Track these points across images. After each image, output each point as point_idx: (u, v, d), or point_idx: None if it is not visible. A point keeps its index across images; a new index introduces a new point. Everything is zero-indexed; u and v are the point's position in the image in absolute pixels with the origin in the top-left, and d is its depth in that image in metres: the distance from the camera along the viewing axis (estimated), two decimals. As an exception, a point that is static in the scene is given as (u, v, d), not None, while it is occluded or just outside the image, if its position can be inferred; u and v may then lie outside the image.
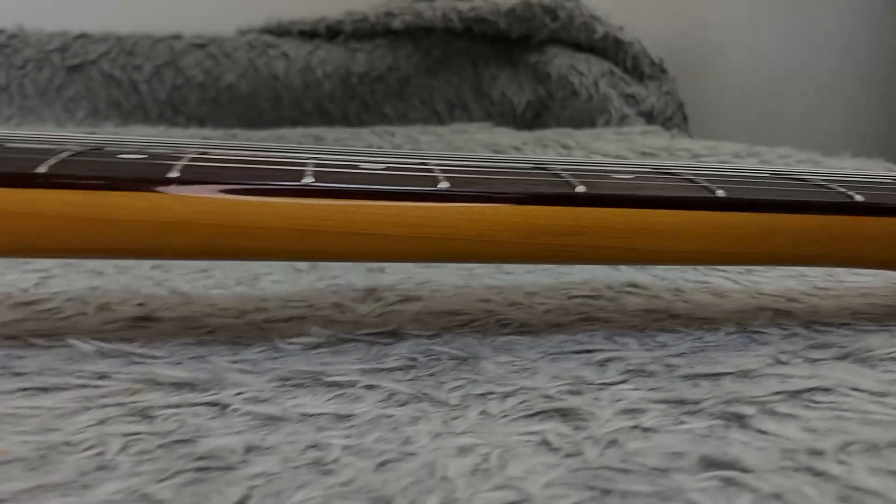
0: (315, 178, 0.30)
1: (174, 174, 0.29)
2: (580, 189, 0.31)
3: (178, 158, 0.31)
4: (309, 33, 1.24)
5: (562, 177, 0.33)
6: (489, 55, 1.26)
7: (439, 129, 0.94)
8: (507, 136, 0.90)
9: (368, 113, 1.25)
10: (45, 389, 0.28)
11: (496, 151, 0.85)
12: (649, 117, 1.23)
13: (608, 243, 0.32)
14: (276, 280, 0.44)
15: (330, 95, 1.23)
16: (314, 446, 0.24)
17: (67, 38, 1.20)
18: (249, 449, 0.24)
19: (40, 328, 0.35)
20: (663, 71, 1.26)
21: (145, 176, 0.29)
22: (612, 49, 1.24)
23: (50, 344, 0.32)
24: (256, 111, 1.22)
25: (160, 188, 0.29)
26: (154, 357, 0.31)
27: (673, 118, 1.27)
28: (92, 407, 0.26)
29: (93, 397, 0.27)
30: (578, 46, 1.24)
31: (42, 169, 0.28)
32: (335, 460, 0.23)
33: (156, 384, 0.28)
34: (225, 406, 0.27)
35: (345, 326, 0.35)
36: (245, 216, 0.30)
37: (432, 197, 0.30)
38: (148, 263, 0.47)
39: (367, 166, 0.33)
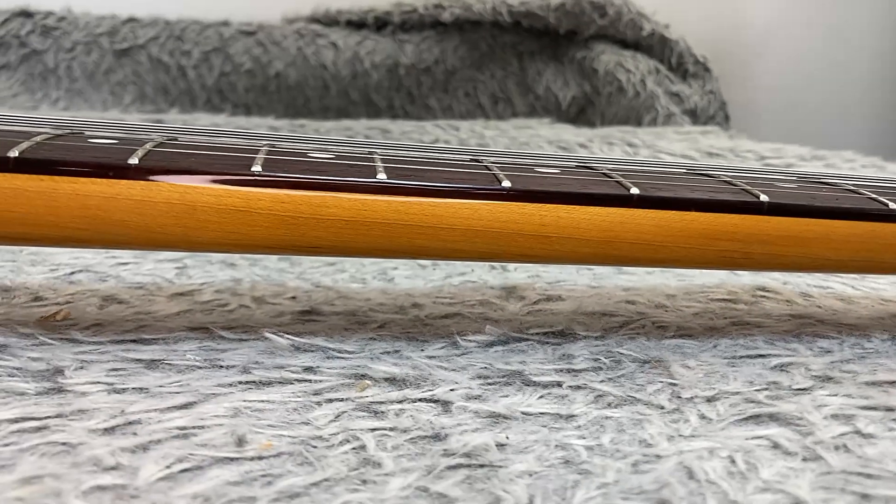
0: (511, 182, 0.31)
1: (381, 176, 0.30)
2: (764, 199, 0.32)
3: (372, 160, 0.32)
4: (357, 23, 1.24)
5: (736, 185, 0.34)
6: (535, 50, 1.26)
7: (501, 124, 0.95)
8: (569, 133, 0.90)
9: (413, 105, 1.26)
10: (262, 384, 0.29)
11: (563, 149, 0.85)
12: (693, 116, 1.24)
13: (787, 251, 0.33)
14: (406, 276, 0.45)
15: (377, 86, 1.23)
16: (559, 446, 0.25)
17: (116, 21, 1.20)
18: (500, 447, 0.24)
19: (217, 321, 0.35)
20: (707, 70, 1.27)
21: (352, 177, 0.30)
22: (657, 47, 1.25)
23: (239, 337, 0.33)
24: (303, 100, 1.22)
25: (366, 195, 0.30)
26: (348, 352, 0.32)
27: (715, 117, 1.28)
28: (321, 402, 0.27)
29: (318, 392, 0.28)
30: (624, 43, 1.24)
31: (256, 167, 0.29)
32: (585, 460, 0.24)
33: (369, 380, 0.29)
34: (446, 403, 0.28)
35: (508, 325, 0.36)
36: (444, 218, 0.30)
37: (625, 202, 0.31)
38: (273, 255, 0.48)
39: (543, 170, 0.34)
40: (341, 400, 0.27)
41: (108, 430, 0.25)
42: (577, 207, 0.31)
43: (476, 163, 0.34)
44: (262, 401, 0.27)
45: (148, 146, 0.30)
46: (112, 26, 1.20)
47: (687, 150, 0.85)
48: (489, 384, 0.29)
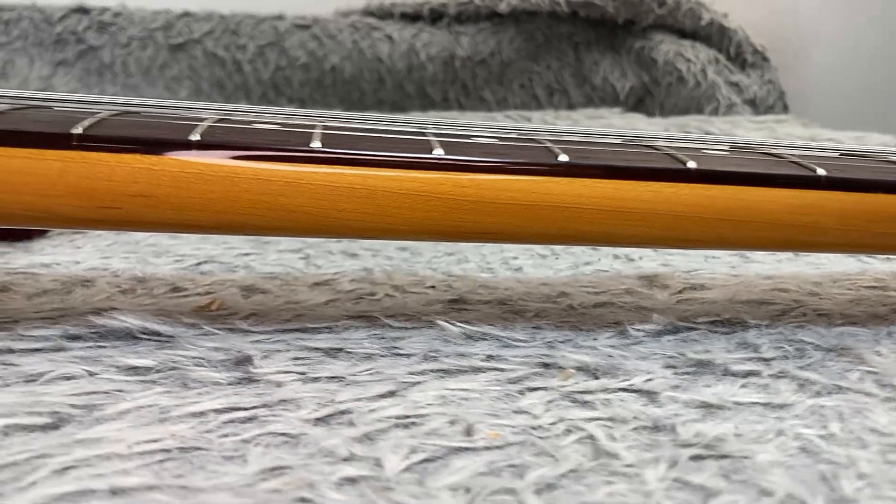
0: (697, 163, 0.30)
1: (563, 158, 0.29)
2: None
3: (540, 142, 0.31)
4: (411, 16, 1.23)
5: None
6: (591, 40, 1.25)
7: (572, 114, 0.93)
8: (642, 122, 0.89)
9: (468, 97, 1.25)
10: (453, 372, 0.28)
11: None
12: (752, 106, 1.22)
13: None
14: (532, 265, 0.44)
15: (432, 79, 1.22)
16: (790, 435, 0.24)
17: (171, 16, 1.20)
18: (737, 436, 0.23)
19: (372, 309, 0.34)
20: (765, 59, 1.25)
21: (531, 160, 0.29)
22: (716, 36, 1.23)
23: (403, 325, 0.32)
24: (358, 94, 1.22)
25: (548, 178, 0.29)
26: (521, 340, 0.31)
27: (774, 107, 1.26)
28: (523, 391, 0.26)
29: (513, 380, 0.27)
30: (682, 33, 1.23)
31: (438, 151, 0.28)
32: (826, 450, 0.23)
33: (558, 368, 0.28)
34: (650, 393, 0.27)
35: (668, 314, 0.34)
36: (625, 201, 0.29)
37: (812, 184, 0.30)
38: (393, 244, 0.47)
39: (710, 150, 0.33)
40: (543, 389, 0.26)
41: (323, 420, 0.24)
42: (763, 189, 0.30)
43: (646, 146, 0.33)
44: (464, 389, 0.26)
45: (317, 130, 0.30)
46: (167, 21, 1.19)
47: (766, 139, 0.83)
48: (683, 374, 0.28)
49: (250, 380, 0.26)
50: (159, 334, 0.30)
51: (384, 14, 1.25)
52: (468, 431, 0.23)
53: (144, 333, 0.30)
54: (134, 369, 0.27)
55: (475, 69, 1.22)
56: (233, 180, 0.28)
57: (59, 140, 0.27)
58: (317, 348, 0.29)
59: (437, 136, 0.30)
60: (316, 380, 0.27)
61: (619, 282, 0.40)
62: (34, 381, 0.26)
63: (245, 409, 0.24)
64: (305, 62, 1.19)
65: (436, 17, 1.23)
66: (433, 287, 0.39)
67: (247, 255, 0.44)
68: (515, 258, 0.45)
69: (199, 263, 0.42)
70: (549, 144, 0.30)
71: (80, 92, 1.19)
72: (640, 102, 1.25)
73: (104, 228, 0.34)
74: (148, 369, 0.27)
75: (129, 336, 0.30)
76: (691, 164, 0.30)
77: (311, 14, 1.22)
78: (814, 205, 0.30)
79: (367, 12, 1.25)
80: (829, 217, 0.31)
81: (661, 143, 0.34)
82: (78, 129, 0.27)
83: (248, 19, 1.20)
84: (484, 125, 0.35)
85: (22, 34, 1.17)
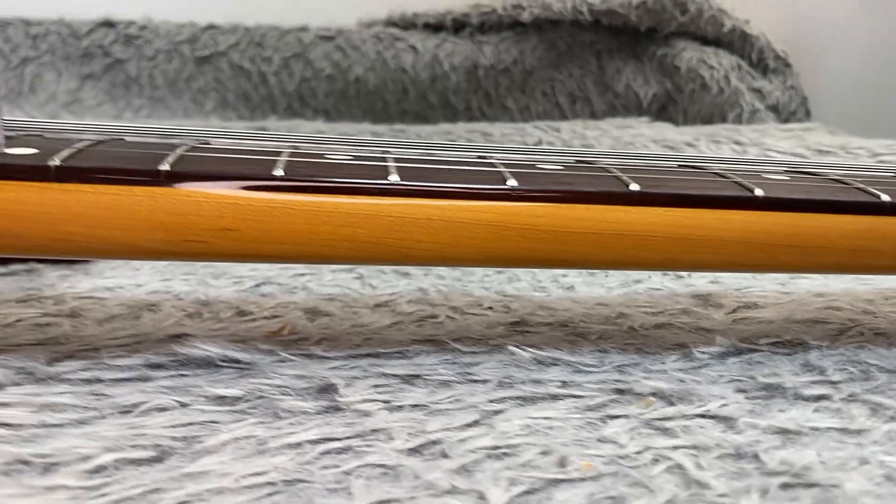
0: (764, 191, 0.30)
1: (634, 186, 0.29)
2: None
3: (608, 170, 0.31)
4: (434, 26, 1.24)
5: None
6: (613, 47, 1.25)
7: (601, 124, 0.94)
8: (671, 132, 0.90)
9: (491, 106, 1.25)
10: (531, 399, 0.28)
11: (669, 148, 0.84)
12: (775, 112, 1.22)
13: None
14: (582, 282, 0.45)
15: (455, 88, 1.23)
16: (873, 463, 0.24)
17: (196, 29, 1.21)
18: (822, 464, 0.24)
19: (437, 332, 0.35)
20: (787, 65, 1.25)
21: (603, 188, 0.29)
22: (737, 43, 1.23)
23: (472, 349, 0.33)
24: (382, 104, 1.22)
25: (621, 206, 0.29)
26: (591, 365, 0.31)
27: (797, 113, 1.26)
28: (603, 418, 0.27)
29: (591, 408, 0.28)
30: (704, 40, 1.23)
31: (512, 182, 0.29)
32: (910, 478, 0.23)
33: (634, 395, 0.29)
34: (727, 419, 0.27)
35: (728, 335, 0.35)
36: (695, 229, 0.30)
37: (877, 210, 0.31)
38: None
39: (771, 177, 0.33)
40: (624, 417, 0.27)
41: (416, 451, 0.24)
42: (828, 216, 0.31)
43: (713, 172, 0.33)
44: (546, 417, 0.27)
45: (391, 162, 0.30)
46: (192, 34, 1.20)
47: (795, 148, 0.83)
48: (754, 398, 0.29)
49: (337, 408, 0.27)
50: (239, 361, 0.31)
51: (407, 24, 1.25)
52: (562, 463, 0.24)
53: (224, 361, 0.31)
54: (222, 399, 0.28)
55: (498, 78, 1.23)
56: (315, 213, 0.28)
57: (147, 177, 0.28)
58: (394, 375, 0.30)
59: (507, 167, 0.31)
60: (400, 408, 0.27)
61: (674, 301, 0.41)
62: (129, 412, 0.27)
63: (339, 439, 0.25)
64: (330, 73, 1.19)
65: (458, 26, 1.24)
66: (491, 308, 0.39)
67: (302, 275, 0.45)
68: (565, 275, 0.46)
69: (257, 285, 0.43)
70: (617, 173, 0.31)
71: (107, 105, 1.20)
72: (663, 109, 1.25)
73: (186, 260, 0.35)
74: (236, 399, 0.28)
75: (209, 364, 0.31)
76: (759, 192, 0.30)
77: (335, 25, 1.23)
78: (874, 229, 0.31)
79: (390, 23, 1.26)
80: (887, 242, 0.31)
81: (713, 165, 0.34)
82: (164, 166, 0.28)
83: (273, 31, 1.21)
84: (543, 150, 0.36)
85: (49, 48, 1.19)
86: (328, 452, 0.24)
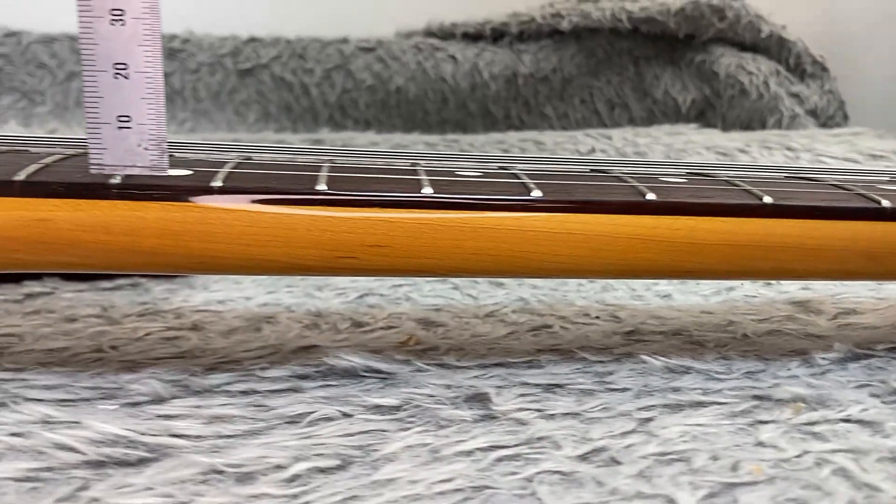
0: (891, 202, 0.31)
1: (768, 199, 0.30)
2: None
3: (736, 183, 0.32)
4: (473, 35, 1.25)
5: None
6: (651, 54, 1.26)
7: (651, 131, 0.95)
8: (721, 138, 0.90)
9: (530, 114, 1.26)
10: (676, 406, 0.29)
11: (722, 154, 0.85)
12: (814, 116, 1.23)
13: None
14: (678, 291, 0.45)
15: (495, 97, 1.24)
16: None
17: (238, 42, 1.22)
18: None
19: (557, 342, 0.36)
20: (825, 69, 1.26)
21: (743, 202, 0.30)
22: (775, 48, 1.24)
23: (599, 358, 0.33)
24: (422, 114, 1.24)
25: (753, 219, 0.30)
26: (720, 373, 0.32)
27: (835, 117, 1.26)
28: (753, 423, 0.28)
29: (737, 413, 0.28)
30: (741, 46, 1.24)
31: (651, 196, 0.30)
32: None
33: (774, 401, 0.30)
34: (872, 423, 0.28)
35: (843, 340, 0.36)
36: (824, 239, 0.31)
37: None
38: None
39: (889, 187, 0.34)
40: (773, 422, 0.28)
41: (585, 458, 0.25)
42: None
43: (832, 184, 0.34)
44: (699, 424, 0.28)
45: (526, 179, 0.31)
46: (235, 47, 1.22)
47: (847, 153, 0.84)
48: (890, 402, 0.30)
49: (492, 417, 0.28)
50: (381, 371, 0.32)
51: (445, 34, 1.27)
52: (734, 467, 0.24)
53: (367, 371, 0.32)
54: (380, 408, 0.29)
55: (537, 86, 1.24)
56: (461, 230, 0.29)
57: (304, 196, 0.29)
58: (535, 384, 0.31)
59: (640, 181, 0.32)
60: (553, 416, 0.28)
61: (774, 308, 0.42)
62: (297, 422, 0.28)
63: (508, 447, 0.26)
64: (371, 84, 1.21)
65: (497, 36, 1.25)
66: (598, 317, 0.40)
67: (400, 286, 0.46)
68: (657, 284, 0.47)
69: (361, 296, 0.44)
70: (747, 186, 0.32)
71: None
72: (701, 115, 1.26)
73: (334, 275, 0.36)
74: (394, 408, 0.29)
75: (353, 374, 0.32)
76: (886, 203, 0.31)
77: (375, 36, 1.24)
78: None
79: (429, 33, 1.27)
80: None
81: (827, 176, 0.35)
82: (322, 186, 0.29)
83: (314, 43, 1.22)
84: (661, 163, 0.37)
85: (95, 63, 1.20)
86: (501, 460, 0.25)
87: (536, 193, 0.30)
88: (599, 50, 1.25)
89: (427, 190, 0.29)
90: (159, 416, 0.28)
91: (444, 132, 1.22)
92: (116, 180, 0.28)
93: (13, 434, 0.26)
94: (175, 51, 1.21)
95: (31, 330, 0.37)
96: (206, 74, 1.22)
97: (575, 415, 0.28)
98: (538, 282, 0.47)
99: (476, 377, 0.31)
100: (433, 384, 0.30)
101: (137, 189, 0.28)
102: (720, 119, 1.24)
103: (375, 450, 0.26)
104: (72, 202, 0.27)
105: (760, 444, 0.26)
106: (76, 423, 0.27)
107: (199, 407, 0.29)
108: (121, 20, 0.27)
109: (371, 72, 1.22)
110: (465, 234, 0.29)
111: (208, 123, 1.23)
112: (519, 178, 0.31)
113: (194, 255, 0.29)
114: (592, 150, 0.87)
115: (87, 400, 0.29)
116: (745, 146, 0.85)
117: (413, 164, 0.33)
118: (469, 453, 0.25)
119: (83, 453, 0.25)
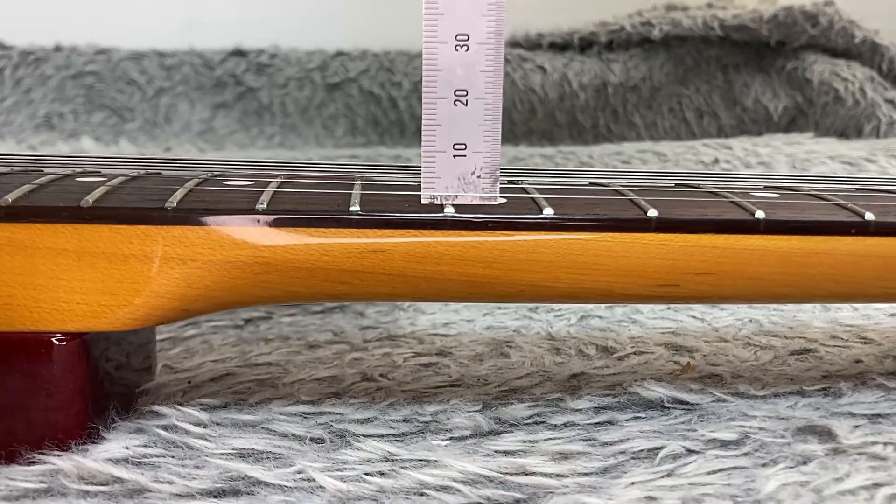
0: None
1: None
2: None
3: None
4: (560, 45, 1.25)
5: None
6: (740, 62, 1.25)
7: (771, 141, 0.93)
8: (844, 147, 0.89)
9: (618, 123, 1.25)
10: None
11: (849, 164, 0.84)
12: (908, 122, 1.21)
13: None
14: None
15: (583, 106, 1.23)
16: None
17: (326, 56, 1.22)
18: None
19: (833, 367, 0.35)
20: (917, 74, 1.24)
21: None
22: (868, 53, 1.22)
23: (838, 385, 0.32)
24: (509, 124, 1.23)
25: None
26: None
27: (928, 123, 1.24)
28: None
29: None
30: (833, 52, 1.22)
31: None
32: None
33: None
34: None
35: None
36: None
37: None
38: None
39: None
40: None
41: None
42: None
43: None
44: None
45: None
46: (322, 61, 1.22)
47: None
48: None
49: (842, 451, 0.27)
50: (685, 402, 0.31)
51: (532, 45, 1.26)
52: None
53: (672, 402, 0.31)
54: (717, 441, 0.28)
55: (626, 95, 1.23)
56: (795, 255, 0.28)
57: (638, 224, 0.28)
58: (859, 414, 0.30)
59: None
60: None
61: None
62: (649, 459, 0.27)
63: (889, 484, 0.25)
64: (460, 96, 1.20)
65: (584, 45, 1.24)
66: (847, 340, 0.39)
67: (613, 306, 0.45)
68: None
69: (581, 318, 0.43)
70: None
71: (239, 133, 1.22)
72: (793, 123, 1.24)
73: (653, 303, 0.35)
74: (734, 442, 0.28)
75: (660, 406, 0.31)
76: None
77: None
78: None
79: (514, 43, 1.27)
80: None
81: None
82: (653, 213, 0.28)
83: (401, 56, 1.22)
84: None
85: (183, 79, 1.21)
86: (892, 498, 0.24)
87: (760, 215, 0.28)
88: (688, 58, 1.24)
89: (761, 215, 0.28)
90: (498, 452, 0.27)
91: (531, 143, 1.22)
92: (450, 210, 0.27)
93: (376, 473, 0.25)
94: (263, 66, 1.22)
95: (284, 358, 0.36)
96: (295, 89, 1.22)
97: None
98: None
99: (790, 407, 0.30)
100: (755, 415, 0.29)
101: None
102: (813, 127, 1.22)
103: (752, 489, 0.25)
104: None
105: None
106: (425, 461, 0.26)
107: (532, 443, 0.28)
108: (465, 45, 0.26)
109: (459, 84, 1.21)
110: (806, 261, 0.29)
111: (296, 138, 1.23)
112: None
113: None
114: (716, 161, 0.86)
115: (412, 434, 0.28)
116: (871, 155, 0.84)
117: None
118: (852, 492, 0.24)
119: (465, 495, 0.24)
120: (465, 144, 0.27)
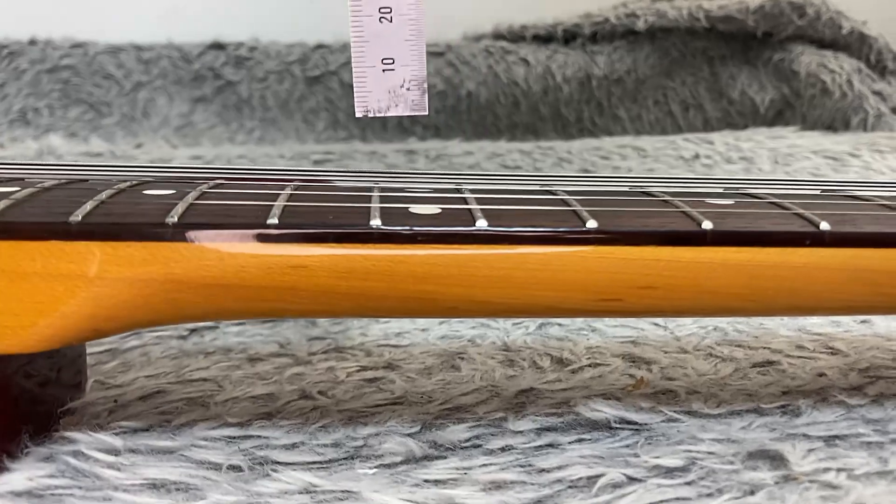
0: None
1: None
2: None
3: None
4: (544, 38, 1.23)
5: None
6: (726, 54, 1.23)
7: (753, 135, 0.92)
8: (828, 141, 0.87)
9: (602, 116, 1.23)
10: None
11: (833, 159, 0.82)
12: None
13: None
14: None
15: (567, 100, 1.21)
16: None
17: (306, 48, 1.20)
18: None
19: (794, 382, 0.33)
20: (907, 65, 1.22)
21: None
22: (855, 44, 1.20)
23: (861, 402, 0.31)
24: (492, 118, 1.21)
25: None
26: None
27: (918, 115, 1.23)
28: None
29: None
30: (821, 43, 1.20)
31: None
32: None
33: None
34: None
35: None
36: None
37: None
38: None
39: None
40: None
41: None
42: None
43: None
44: None
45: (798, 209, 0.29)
46: (303, 54, 1.20)
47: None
48: None
49: (793, 478, 0.25)
50: (633, 423, 0.29)
51: (515, 37, 1.24)
52: None
53: (618, 422, 0.29)
54: (662, 469, 0.26)
55: (611, 88, 1.21)
56: (752, 268, 0.27)
57: (577, 237, 0.26)
58: (814, 436, 0.28)
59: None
60: (861, 477, 0.25)
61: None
62: (587, 488, 0.25)
63: (837, 517, 0.23)
64: (442, 89, 1.18)
65: (568, 37, 1.22)
66: (814, 350, 0.37)
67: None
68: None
69: (540, 326, 0.41)
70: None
71: (219, 127, 1.20)
72: (779, 115, 1.22)
73: (597, 317, 0.33)
74: (680, 470, 0.26)
75: (605, 427, 0.29)
76: None
77: (444, 40, 1.21)
78: None
79: (497, 35, 1.24)
80: None
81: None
82: (592, 224, 0.26)
83: (383, 49, 1.20)
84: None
85: (161, 73, 1.19)
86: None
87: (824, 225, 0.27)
88: (674, 50, 1.22)
89: (707, 225, 0.27)
90: (428, 482, 0.25)
91: (513, 137, 1.20)
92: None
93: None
94: (242, 59, 1.20)
95: (221, 373, 0.35)
96: (275, 82, 1.20)
97: (884, 473, 0.26)
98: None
99: (743, 428, 0.29)
100: (704, 439, 0.28)
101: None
102: (800, 119, 1.20)
103: (694, 521, 0.23)
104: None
105: None
106: (347, 493, 0.24)
107: (465, 470, 0.26)
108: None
109: (441, 76, 1.19)
110: (760, 273, 0.27)
111: (276, 132, 1.21)
112: (784, 209, 0.29)
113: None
114: (696, 156, 0.84)
115: (339, 461, 0.27)
116: (854, 150, 0.82)
117: (667, 196, 0.30)
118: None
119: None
120: (392, 59, 0.27)
